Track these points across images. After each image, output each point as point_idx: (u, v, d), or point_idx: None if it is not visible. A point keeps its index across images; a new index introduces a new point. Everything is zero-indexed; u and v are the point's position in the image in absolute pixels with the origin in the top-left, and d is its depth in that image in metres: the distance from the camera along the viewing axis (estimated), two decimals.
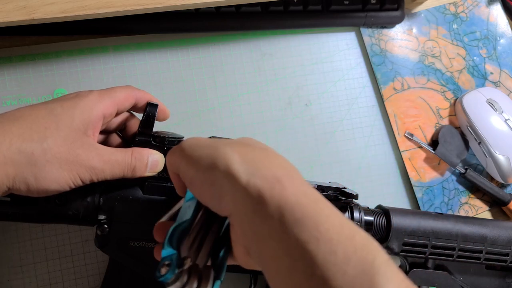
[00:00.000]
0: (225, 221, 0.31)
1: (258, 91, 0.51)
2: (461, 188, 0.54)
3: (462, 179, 0.54)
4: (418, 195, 0.53)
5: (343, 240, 0.23)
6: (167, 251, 0.27)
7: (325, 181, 0.44)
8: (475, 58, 0.57)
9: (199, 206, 0.30)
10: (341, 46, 0.54)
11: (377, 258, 0.23)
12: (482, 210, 0.54)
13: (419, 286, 0.44)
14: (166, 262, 0.26)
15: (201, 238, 0.29)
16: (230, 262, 0.30)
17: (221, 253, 0.29)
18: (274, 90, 0.51)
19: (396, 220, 0.42)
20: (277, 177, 0.26)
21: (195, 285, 0.27)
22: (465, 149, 0.54)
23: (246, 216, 0.26)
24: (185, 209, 0.30)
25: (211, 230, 0.30)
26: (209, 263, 0.29)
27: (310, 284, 0.22)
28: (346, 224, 0.24)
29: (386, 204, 0.45)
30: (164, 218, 0.32)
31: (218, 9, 0.48)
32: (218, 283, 0.28)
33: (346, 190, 0.41)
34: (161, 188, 0.38)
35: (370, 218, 0.42)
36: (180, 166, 0.29)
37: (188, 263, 0.27)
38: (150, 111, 0.38)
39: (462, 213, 0.53)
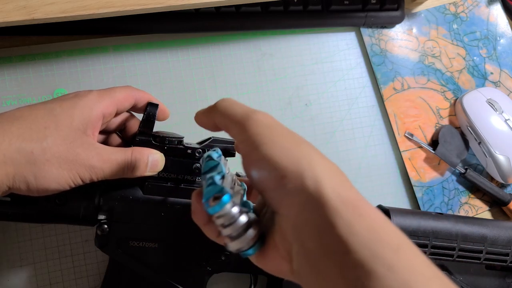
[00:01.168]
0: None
1: (258, 91, 0.51)
2: (461, 188, 0.54)
3: (462, 179, 0.54)
4: (418, 195, 0.53)
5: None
6: (214, 188, 0.27)
7: None
8: (475, 58, 0.57)
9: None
10: (341, 46, 0.54)
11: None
12: (482, 210, 0.54)
13: None
14: (216, 195, 0.26)
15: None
16: (258, 261, 0.29)
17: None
18: (274, 90, 0.51)
19: (396, 220, 0.42)
20: (362, 198, 0.25)
21: (242, 221, 0.26)
22: (465, 149, 0.54)
23: (318, 227, 0.24)
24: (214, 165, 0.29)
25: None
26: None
27: None
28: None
29: (386, 204, 0.45)
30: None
31: (218, 9, 0.48)
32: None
33: None
34: (161, 188, 0.38)
35: None
36: (242, 136, 0.28)
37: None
38: (150, 110, 0.38)
39: (462, 213, 0.53)
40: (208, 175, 0.27)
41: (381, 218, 0.24)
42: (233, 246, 0.27)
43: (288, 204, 0.25)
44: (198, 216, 0.30)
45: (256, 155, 0.26)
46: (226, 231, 0.27)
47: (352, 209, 0.24)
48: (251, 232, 0.27)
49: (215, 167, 0.29)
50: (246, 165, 0.28)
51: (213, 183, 0.27)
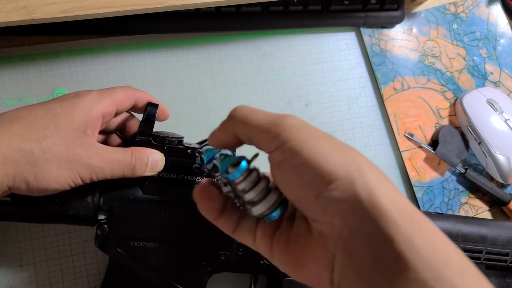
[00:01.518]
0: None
1: (258, 91, 0.51)
2: (461, 188, 0.54)
3: (462, 179, 0.54)
4: (418, 195, 0.53)
5: None
6: (229, 159, 0.27)
7: None
8: (475, 58, 0.57)
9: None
10: (341, 46, 0.54)
11: None
12: (482, 210, 0.54)
13: None
14: (234, 162, 0.26)
15: None
16: (293, 271, 0.27)
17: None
18: (274, 90, 0.51)
19: None
20: (416, 208, 0.23)
21: (262, 184, 0.27)
22: (465, 149, 0.54)
23: (372, 238, 0.22)
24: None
25: None
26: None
27: None
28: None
29: None
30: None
31: (218, 9, 0.48)
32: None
33: None
34: (161, 188, 0.38)
35: None
36: (270, 143, 0.26)
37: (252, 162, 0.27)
38: (150, 110, 0.38)
39: (462, 213, 0.53)
40: (217, 155, 0.29)
41: (440, 234, 0.22)
42: (256, 210, 0.27)
43: (334, 211, 0.23)
44: (208, 209, 0.29)
45: (296, 161, 0.24)
46: (248, 196, 0.27)
47: (411, 221, 0.22)
48: (272, 195, 0.27)
49: (217, 153, 0.30)
50: (281, 172, 0.26)
51: (227, 155, 0.28)
